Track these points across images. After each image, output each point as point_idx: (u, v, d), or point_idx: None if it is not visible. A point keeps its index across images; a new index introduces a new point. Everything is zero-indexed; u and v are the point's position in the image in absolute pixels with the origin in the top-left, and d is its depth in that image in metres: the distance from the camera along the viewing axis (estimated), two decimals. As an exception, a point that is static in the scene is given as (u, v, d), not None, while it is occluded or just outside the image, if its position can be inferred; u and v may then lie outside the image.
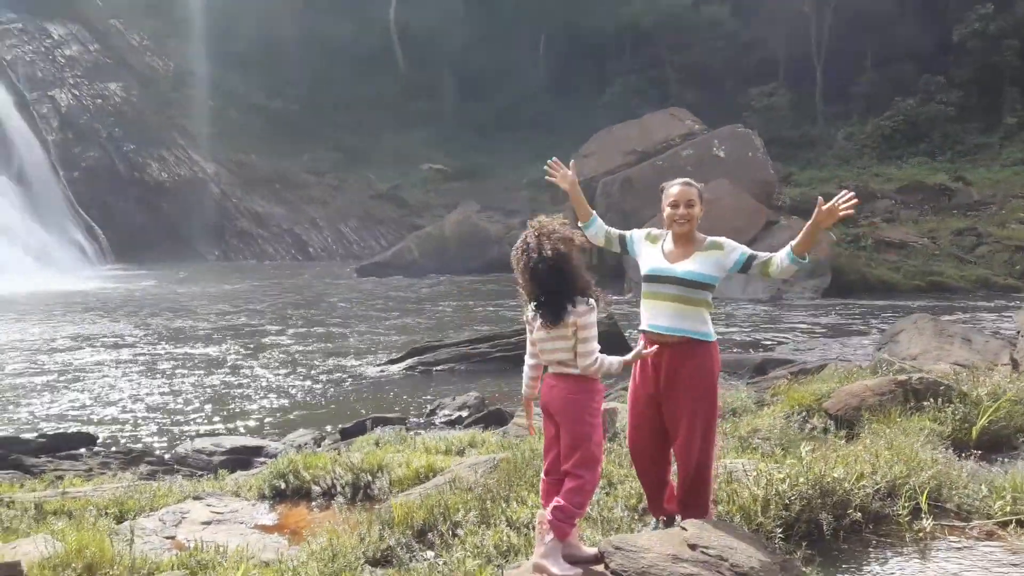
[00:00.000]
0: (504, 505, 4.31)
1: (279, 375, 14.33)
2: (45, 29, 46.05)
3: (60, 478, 7.09)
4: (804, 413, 6.72)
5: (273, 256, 42.48)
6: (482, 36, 48.37)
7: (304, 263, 41.01)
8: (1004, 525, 3.94)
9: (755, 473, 4.13)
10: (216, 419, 11.45)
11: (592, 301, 3.36)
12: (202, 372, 14.62)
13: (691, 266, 3.81)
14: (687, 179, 3.98)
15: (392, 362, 14.76)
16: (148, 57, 47.53)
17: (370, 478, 5.67)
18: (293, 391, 13.16)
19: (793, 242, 3.77)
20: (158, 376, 14.32)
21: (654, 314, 3.84)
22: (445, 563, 3.72)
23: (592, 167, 30.08)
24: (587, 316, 3.32)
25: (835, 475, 4.00)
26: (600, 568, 3.24)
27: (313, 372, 14.55)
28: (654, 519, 4.06)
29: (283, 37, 48.40)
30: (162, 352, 16.75)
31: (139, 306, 24.54)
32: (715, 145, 29.04)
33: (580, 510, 3.31)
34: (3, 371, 14.81)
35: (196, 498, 5.70)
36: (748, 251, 3.87)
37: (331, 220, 43.77)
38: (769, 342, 16.54)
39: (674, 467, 4.00)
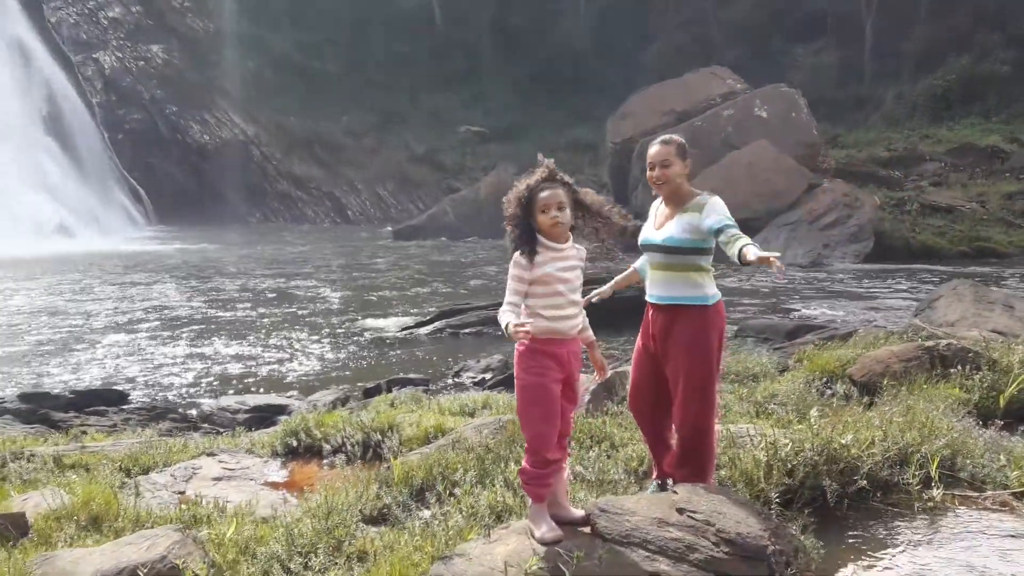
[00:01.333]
0: (503, 466, 4.27)
1: (311, 336, 14.48)
2: (88, -9, 46.49)
3: (84, 433, 7.25)
4: (827, 379, 6.57)
5: (312, 219, 42.82)
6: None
7: (343, 226, 41.30)
8: (1020, 496, 3.80)
9: (760, 438, 4.02)
10: (246, 379, 11.61)
11: (518, 256, 3.29)
12: (236, 332, 14.84)
13: (670, 231, 3.68)
14: (666, 136, 3.80)
15: (420, 324, 14.80)
16: (189, 19, 47.77)
17: (380, 437, 5.68)
18: (323, 352, 13.30)
19: (744, 255, 3.40)
20: (192, 336, 14.57)
21: (650, 282, 3.83)
22: (438, 522, 3.69)
23: (630, 128, 29.62)
24: (512, 269, 3.30)
25: (842, 441, 3.88)
26: (586, 530, 3.18)
27: (344, 333, 14.68)
28: (653, 482, 4.00)
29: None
30: (199, 312, 17.03)
31: (180, 267, 24.97)
32: (757, 105, 28.31)
33: (542, 469, 3.20)
34: (43, 329, 15.21)
35: (210, 454, 5.77)
36: (723, 223, 3.52)
37: (369, 183, 43.91)
38: (805, 307, 16.20)
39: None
